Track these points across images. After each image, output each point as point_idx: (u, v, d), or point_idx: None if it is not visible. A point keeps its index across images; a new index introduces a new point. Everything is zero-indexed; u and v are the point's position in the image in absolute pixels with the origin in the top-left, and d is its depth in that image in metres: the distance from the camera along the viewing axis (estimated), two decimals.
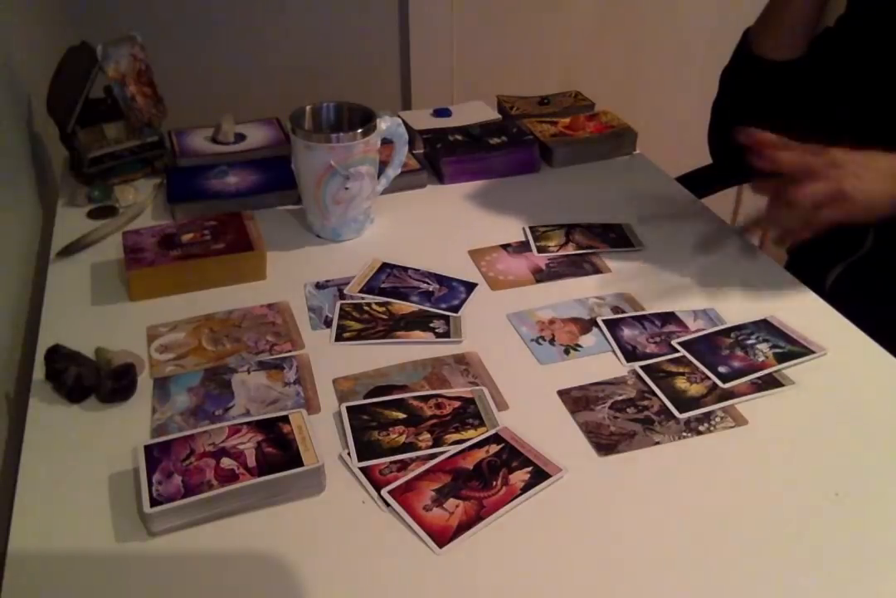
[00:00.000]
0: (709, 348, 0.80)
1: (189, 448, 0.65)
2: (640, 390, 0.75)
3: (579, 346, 0.81)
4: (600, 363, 0.78)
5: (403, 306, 0.87)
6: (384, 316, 0.85)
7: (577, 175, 1.15)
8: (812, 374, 0.77)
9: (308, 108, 0.98)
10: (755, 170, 0.81)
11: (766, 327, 0.83)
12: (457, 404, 0.73)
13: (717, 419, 0.71)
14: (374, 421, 0.71)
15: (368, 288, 0.90)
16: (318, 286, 0.90)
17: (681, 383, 0.76)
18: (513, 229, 1.01)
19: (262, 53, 1.69)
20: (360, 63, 1.76)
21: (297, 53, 1.71)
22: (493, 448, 0.68)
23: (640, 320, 0.84)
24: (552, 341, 0.81)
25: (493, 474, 0.65)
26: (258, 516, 0.62)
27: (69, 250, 0.95)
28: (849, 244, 1.03)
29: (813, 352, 0.79)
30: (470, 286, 0.90)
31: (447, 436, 0.69)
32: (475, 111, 1.27)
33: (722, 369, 0.77)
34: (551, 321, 0.84)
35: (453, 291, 0.89)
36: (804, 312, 0.85)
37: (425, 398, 0.73)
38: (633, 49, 1.94)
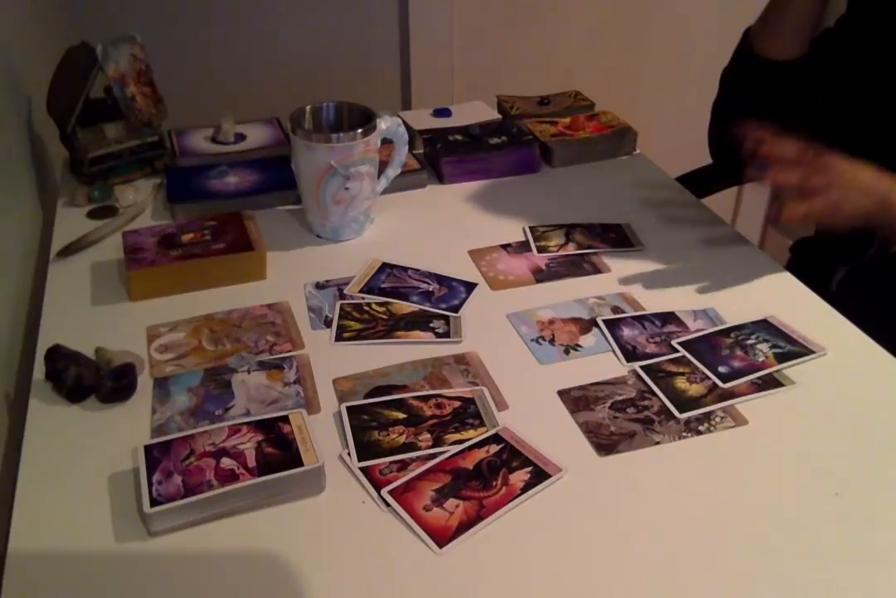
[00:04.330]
0: (709, 348, 0.80)
1: (189, 448, 0.65)
2: (640, 390, 0.75)
3: (579, 346, 0.81)
4: (600, 363, 0.78)
5: (403, 306, 0.87)
6: (384, 316, 0.85)
7: (577, 175, 1.15)
8: (812, 374, 0.77)
9: (308, 108, 0.98)
10: (750, 162, 0.83)
11: (766, 327, 0.83)
12: (457, 404, 0.73)
13: (717, 419, 0.71)
14: (374, 421, 0.71)
15: (368, 288, 0.90)
16: (318, 286, 0.90)
17: (681, 383, 0.75)
18: (513, 229, 1.01)
19: (262, 53, 1.69)
20: (360, 63, 1.76)
21: (297, 53, 1.71)
22: (493, 448, 0.68)
23: (640, 320, 0.84)
24: (552, 341, 0.81)
25: (493, 474, 0.65)
26: (258, 516, 0.62)
27: (69, 250, 0.95)
28: (854, 247, 1.03)
29: (813, 352, 0.79)
30: (470, 286, 0.90)
31: (447, 436, 0.69)
32: (475, 111, 1.27)
33: (722, 369, 0.77)
34: (551, 321, 0.84)
35: (453, 292, 0.89)
36: (804, 312, 0.85)
37: (425, 398, 0.73)
38: (633, 49, 1.94)
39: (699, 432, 0.70)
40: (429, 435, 0.69)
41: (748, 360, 0.78)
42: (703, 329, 0.83)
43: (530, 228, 1.01)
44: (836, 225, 0.82)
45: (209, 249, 0.90)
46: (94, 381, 0.73)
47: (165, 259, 0.88)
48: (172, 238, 0.92)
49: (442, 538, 0.60)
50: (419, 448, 0.68)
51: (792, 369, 0.77)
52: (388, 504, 0.63)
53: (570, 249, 0.96)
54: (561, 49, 1.89)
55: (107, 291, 0.89)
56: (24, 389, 0.75)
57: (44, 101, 1.10)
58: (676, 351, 0.79)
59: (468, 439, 0.69)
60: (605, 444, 0.69)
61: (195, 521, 0.61)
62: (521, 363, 0.79)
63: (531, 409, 0.73)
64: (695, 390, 0.75)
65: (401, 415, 0.71)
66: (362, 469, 0.66)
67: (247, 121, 1.22)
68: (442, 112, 1.25)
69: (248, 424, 0.67)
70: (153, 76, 1.11)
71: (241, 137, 1.18)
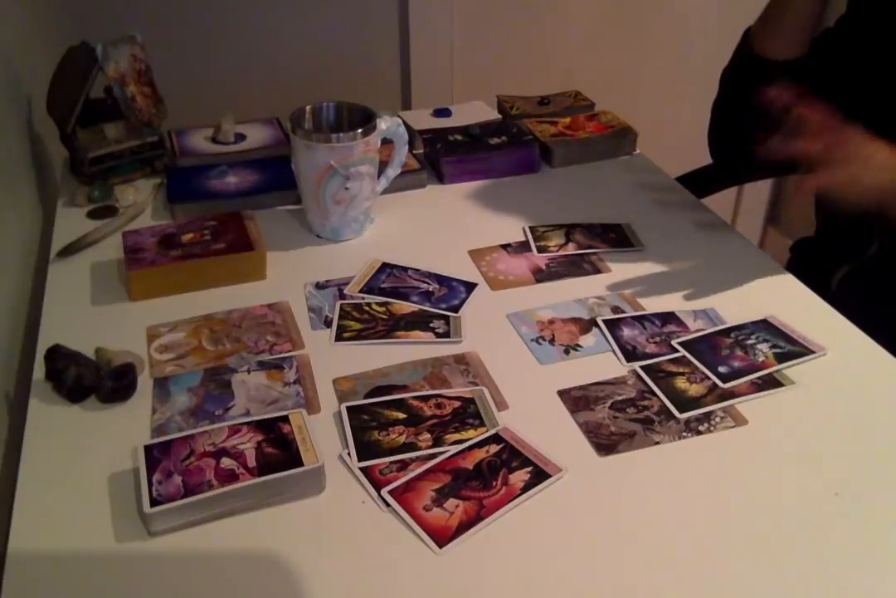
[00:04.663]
0: (709, 348, 0.80)
1: (189, 448, 0.65)
2: (640, 390, 0.75)
3: (579, 346, 0.81)
4: (600, 363, 0.78)
5: (403, 306, 0.87)
6: (384, 316, 0.85)
7: (577, 175, 1.15)
8: (812, 374, 0.77)
9: (308, 108, 0.98)
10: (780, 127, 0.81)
11: (765, 326, 0.83)
12: (457, 404, 0.73)
13: (717, 419, 0.71)
14: (374, 421, 0.71)
15: (368, 288, 0.90)
16: (318, 286, 0.90)
17: (681, 383, 0.75)
18: (513, 229, 1.01)
19: (262, 53, 1.69)
20: (360, 63, 1.76)
21: (297, 53, 1.71)
22: (493, 448, 0.68)
23: (640, 319, 0.84)
24: (552, 341, 0.81)
25: (493, 474, 0.65)
26: (258, 516, 0.62)
27: (69, 250, 0.95)
28: (854, 246, 1.03)
29: (813, 352, 0.79)
30: (470, 286, 0.90)
31: (447, 436, 0.69)
32: (475, 111, 1.27)
33: (722, 369, 0.77)
34: (551, 321, 0.84)
35: (453, 292, 0.89)
36: (804, 312, 0.85)
37: (425, 398, 0.73)
38: (633, 49, 1.94)
39: (699, 432, 0.70)
40: (429, 435, 0.69)
41: (748, 360, 0.78)
42: (703, 329, 0.83)
43: (530, 228, 1.01)
44: (849, 200, 0.81)
45: (209, 249, 0.90)
46: (94, 381, 0.73)
47: (165, 259, 0.88)
48: (172, 238, 0.92)
49: (442, 538, 0.60)
50: (419, 448, 0.68)
51: (792, 369, 0.77)
52: (388, 504, 0.63)
53: (570, 249, 0.96)
54: (561, 49, 1.89)
55: (107, 291, 0.89)
56: (24, 389, 0.75)
57: (44, 101, 1.10)
58: (676, 351, 0.79)
59: (468, 439, 0.69)
60: (605, 444, 0.69)
61: (195, 521, 0.61)
62: (521, 363, 0.79)
63: (531, 409, 0.73)
64: (695, 390, 0.75)
65: (401, 415, 0.71)
66: (362, 469, 0.66)
67: (247, 121, 1.22)
68: (442, 112, 1.25)
69: (248, 424, 0.67)
70: (153, 76, 1.11)
71: (241, 137, 1.18)
